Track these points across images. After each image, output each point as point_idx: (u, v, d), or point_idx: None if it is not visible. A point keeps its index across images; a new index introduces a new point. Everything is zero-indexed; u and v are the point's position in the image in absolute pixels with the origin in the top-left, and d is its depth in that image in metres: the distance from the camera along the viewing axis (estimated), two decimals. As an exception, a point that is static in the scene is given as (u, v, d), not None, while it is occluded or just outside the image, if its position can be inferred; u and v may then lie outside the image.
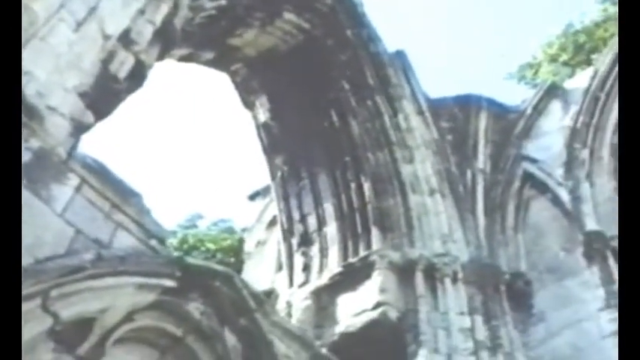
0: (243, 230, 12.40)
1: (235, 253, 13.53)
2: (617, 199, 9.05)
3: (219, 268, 5.47)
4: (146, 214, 5.52)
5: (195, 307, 5.19)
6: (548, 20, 21.99)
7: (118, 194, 5.28)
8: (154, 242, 5.34)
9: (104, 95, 5.80)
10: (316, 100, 9.36)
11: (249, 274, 9.62)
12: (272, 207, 9.84)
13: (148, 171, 25.84)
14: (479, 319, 7.90)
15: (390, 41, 9.89)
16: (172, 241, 14.81)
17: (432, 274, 8.12)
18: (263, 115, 9.57)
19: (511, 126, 10.13)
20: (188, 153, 29.00)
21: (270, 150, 9.60)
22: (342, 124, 9.26)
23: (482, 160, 9.66)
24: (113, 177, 5.43)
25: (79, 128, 5.41)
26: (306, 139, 9.39)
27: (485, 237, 8.89)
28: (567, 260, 8.70)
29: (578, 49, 15.72)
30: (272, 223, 9.95)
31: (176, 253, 6.37)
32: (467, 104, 10.07)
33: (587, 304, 8.22)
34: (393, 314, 7.73)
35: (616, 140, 9.49)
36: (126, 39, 5.92)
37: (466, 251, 8.55)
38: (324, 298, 8.18)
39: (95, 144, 6.74)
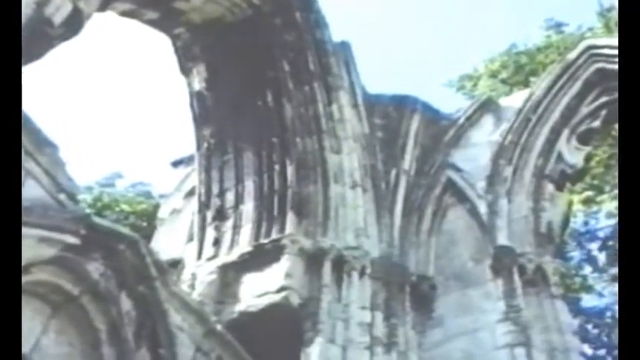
0: (161, 196, 12.27)
1: (149, 219, 13.39)
2: (531, 218, 9.32)
3: (126, 231, 5.42)
4: (59, 167, 5.40)
5: (95, 268, 5.15)
6: (494, 37, 22.40)
7: (33, 142, 5.15)
8: (62, 196, 5.24)
9: (35, 38, 5.63)
10: (254, 76, 9.29)
11: (160, 241, 9.52)
12: (193, 177, 9.73)
13: (75, 124, 25.32)
14: (379, 315, 8.01)
15: (337, 31, 9.89)
16: (86, 197, 14.58)
17: (340, 266, 8.18)
18: (198, 84, 9.46)
19: (442, 132, 10.27)
20: (118, 112, 28.46)
21: (200, 120, 9.50)
22: (276, 104, 9.22)
23: (408, 162, 9.77)
24: (30, 124, 5.28)
25: (3, 69, 5.25)
26: (237, 114, 9.33)
27: (398, 237, 9.00)
28: (474, 270, 8.89)
29: (518, 69, 16.07)
30: (190, 193, 9.84)
31: (87, 210, 6.28)
32: (402, 104, 10.17)
33: (487, 314, 8.42)
34: (295, 300, 7.76)
35: (540, 162, 9.74)
36: (65, -17, 5.77)
37: (377, 248, 8.65)
38: (230, 275, 8.16)
39: (18, 87, 6.53)
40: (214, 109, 9.45)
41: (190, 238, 9.12)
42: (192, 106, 9.57)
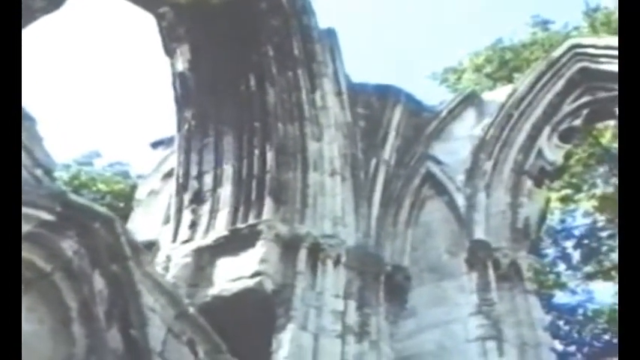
0: (139, 177, 12.20)
1: (126, 199, 13.30)
2: (508, 213, 9.36)
3: (101, 210, 5.37)
4: (37, 142, 5.36)
5: (69, 245, 5.08)
6: (480, 31, 22.39)
7: (11, 115, 5.08)
8: (39, 172, 5.20)
9: (16, 10, 5.54)
10: (238, 60, 9.24)
11: (136, 222, 9.49)
12: (172, 158, 9.69)
13: (55, 100, 25.04)
14: (352, 304, 8.04)
15: (323, 18, 9.84)
16: (63, 175, 14.47)
17: (316, 254, 8.19)
18: (181, 65, 9.39)
19: (424, 124, 10.27)
20: (99, 90, 28.18)
21: (182, 101, 9.44)
22: (259, 89, 9.17)
23: (388, 152, 9.77)
24: (8, 97, 5.21)
25: (-18, 40, 5.16)
26: (220, 97, 9.27)
27: (375, 226, 9.02)
28: (450, 263, 8.93)
29: (502, 65, 16.12)
30: (169, 174, 9.79)
31: (63, 188, 6.22)
32: (385, 95, 10.16)
33: (460, 307, 8.47)
34: (269, 286, 7.77)
35: (520, 158, 9.77)
36: (48, -44, 5.70)
37: (354, 237, 8.67)
38: (205, 259, 8.14)
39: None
40: (197, 90, 9.38)
41: (167, 220, 9.07)
42: (174, 87, 9.51)
